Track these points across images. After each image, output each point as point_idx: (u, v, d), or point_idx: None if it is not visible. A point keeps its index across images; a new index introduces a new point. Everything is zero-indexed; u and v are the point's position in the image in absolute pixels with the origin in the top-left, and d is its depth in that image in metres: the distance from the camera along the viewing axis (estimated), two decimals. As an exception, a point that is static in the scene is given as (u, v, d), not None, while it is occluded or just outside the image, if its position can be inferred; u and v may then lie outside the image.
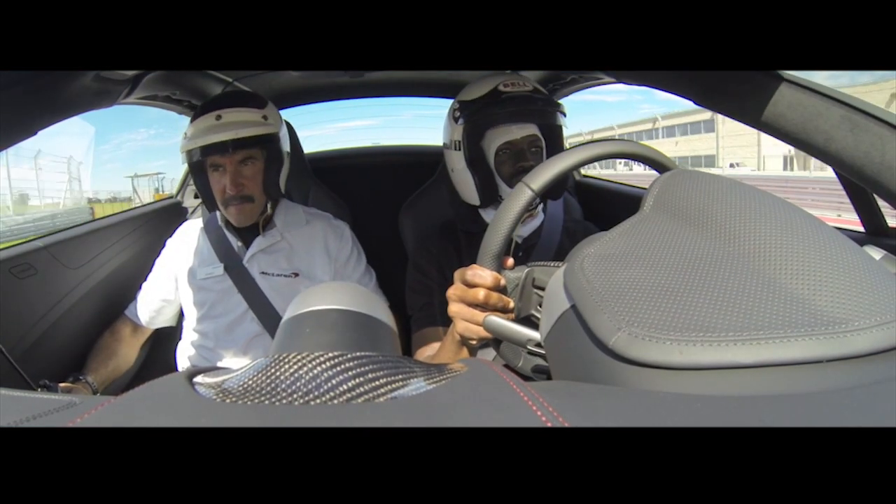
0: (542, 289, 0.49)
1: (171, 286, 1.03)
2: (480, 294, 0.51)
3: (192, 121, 0.95)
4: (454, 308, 0.54)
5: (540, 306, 0.49)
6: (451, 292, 0.55)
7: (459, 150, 0.92)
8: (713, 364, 0.24)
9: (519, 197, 0.52)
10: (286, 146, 1.02)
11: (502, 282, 0.52)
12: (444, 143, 1.00)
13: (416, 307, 0.92)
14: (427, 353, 0.85)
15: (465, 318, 0.53)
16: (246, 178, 0.94)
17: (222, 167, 0.93)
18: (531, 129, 0.90)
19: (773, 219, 0.31)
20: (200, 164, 0.96)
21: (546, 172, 0.52)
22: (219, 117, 0.91)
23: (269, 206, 1.00)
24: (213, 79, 1.16)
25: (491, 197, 0.91)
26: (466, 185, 0.93)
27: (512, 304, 0.52)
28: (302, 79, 1.29)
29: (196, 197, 1.36)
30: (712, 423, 0.19)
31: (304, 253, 1.01)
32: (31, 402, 0.21)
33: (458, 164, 0.93)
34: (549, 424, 0.17)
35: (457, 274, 0.55)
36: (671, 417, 0.19)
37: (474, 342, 0.55)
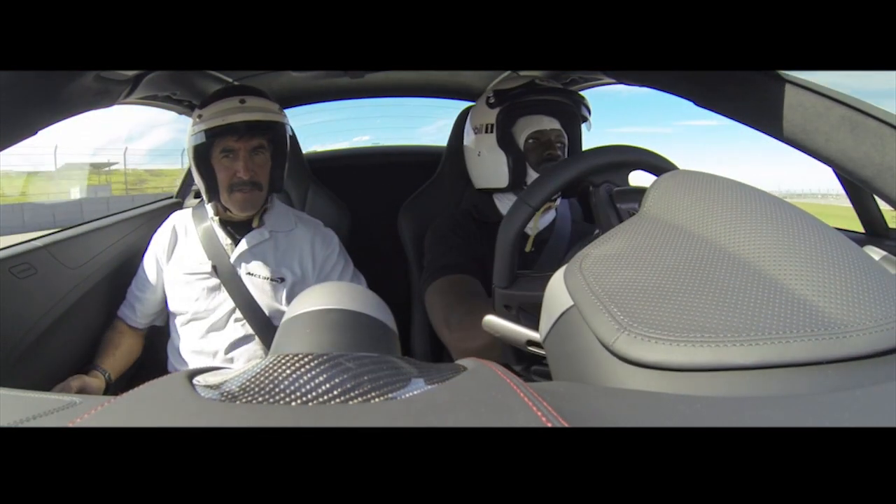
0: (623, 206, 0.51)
1: (159, 279, 1.03)
2: None
3: (203, 106, 0.96)
4: None
5: (628, 213, 0.51)
6: None
7: (491, 132, 0.97)
8: (713, 365, 0.24)
9: (518, 213, 0.54)
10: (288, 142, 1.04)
11: None
12: (466, 133, 1.04)
13: (449, 261, 0.94)
14: (461, 306, 0.86)
15: None
16: (257, 165, 0.96)
17: (234, 152, 0.95)
18: (557, 124, 0.97)
19: (773, 219, 0.31)
20: (207, 150, 0.96)
21: (543, 189, 0.54)
22: (243, 101, 0.94)
23: (269, 199, 1.02)
24: (214, 79, 1.16)
25: (519, 179, 0.96)
26: (494, 168, 0.97)
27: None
28: (302, 79, 1.29)
29: (196, 196, 1.36)
30: (712, 423, 0.19)
31: (290, 255, 1.01)
32: (31, 402, 0.21)
33: (487, 147, 0.98)
34: (549, 425, 0.17)
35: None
36: (671, 418, 0.19)
37: None
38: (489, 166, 0.98)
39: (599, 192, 0.54)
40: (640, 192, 0.51)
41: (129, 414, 0.19)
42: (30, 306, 0.86)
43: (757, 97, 0.56)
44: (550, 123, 0.96)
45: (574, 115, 0.99)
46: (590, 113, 1.02)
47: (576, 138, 1.02)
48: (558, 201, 1.01)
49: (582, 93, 1.05)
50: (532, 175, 0.95)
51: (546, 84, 0.98)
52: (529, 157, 0.96)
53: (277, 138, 0.99)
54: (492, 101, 0.98)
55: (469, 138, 1.04)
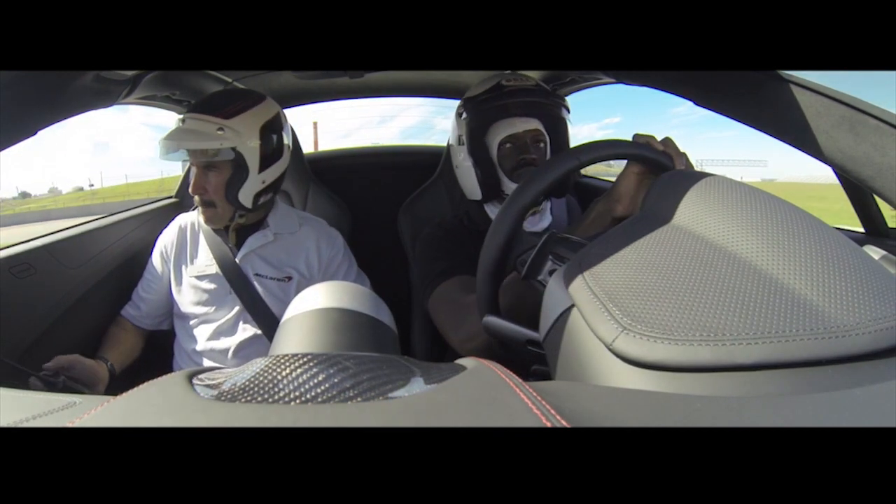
0: (559, 257, 0.49)
1: (165, 280, 1.03)
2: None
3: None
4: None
5: (550, 274, 0.48)
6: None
7: (463, 144, 0.92)
8: (713, 364, 0.24)
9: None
10: (264, 160, 0.95)
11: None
12: (449, 142, 1.00)
13: (441, 267, 0.89)
14: (461, 308, 0.82)
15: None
16: (209, 183, 0.93)
17: (194, 167, 0.94)
18: (534, 124, 0.89)
19: (773, 219, 0.31)
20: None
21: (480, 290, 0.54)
22: (183, 121, 0.91)
23: (237, 215, 0.97)
24: (213, 79, 1.16)
25: (493, 191, 0.91)
26: (469, 181, 0.93)
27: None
28: (301, 79, 1.29)
29: None
30: (712, 423, 0.19)
31: (296, 254, 1.01)
32: (31, 402, 0.21)
33: (461, 160, 0.94)
34: (549, 425, 0.17)
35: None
36: (671, 418, 0.19)
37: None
38: (465, 179, 0.94)
39: (519, 270, 0.52)
40: (542, 254, 0.50)
41: (128, 414, 0.19)
42: (30, 306, 0.86)
43: (757, 97, 0.56)
44: (525, 124, 0.88)
45: (552, 110, 0.91)
46: (568, 111, 0.95)
47: (560, 135, 0.93)
48: (545, 204, 0.94)
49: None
50: (507, 184, 0.89)
51: (513, 84, 0.90)
52: (504, 163, 0.89)
53: (229, 157, 0.92)
54: (461, 111, 0.93)
55: (451, 150, 0.99)
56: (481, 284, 0.55)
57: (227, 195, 0.94)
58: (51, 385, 0.75)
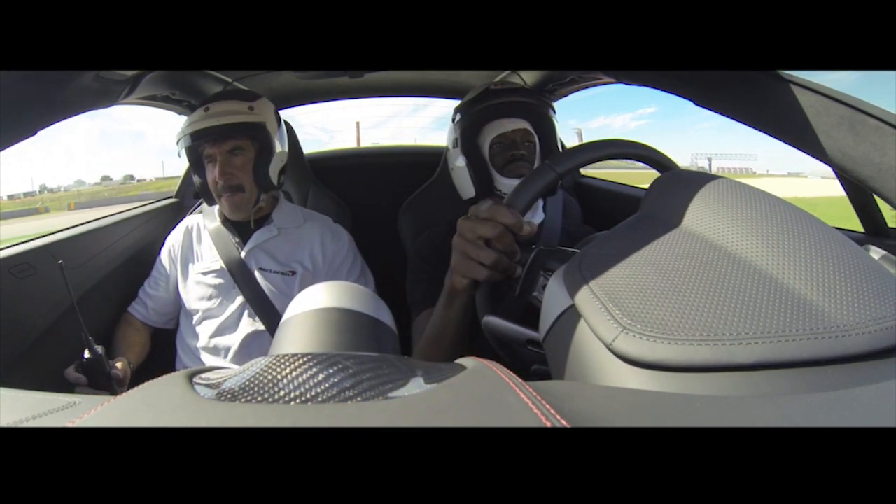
0: (550, 271, 0.49)
1: (171, 280, 1.04)
2: (495, 230, 0.50)
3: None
4: (457, 241, 0.53)
5: (544, 288, 0.49)
6: (462, 224, 0.54)
7: (457, 146, 0.97)
8: (713, 364, 0.24)
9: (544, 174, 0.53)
10: (281, 141, 1.02)
11: (525, 230, 0.50)
12: (447, 147, 1.04)
13: (418, 296, 0.91)
14: (427, 332, 0.83)
15: (467, 254, 0.52)
16: (235, 167, 0.96)
17: (214, 158, 0.96)
18: (521, 124, 0.94)
19: (773, 219, 0.31)
20: (198, 159, 0.99)
21: (574, 158, 0.53)
22: (207, 109, 0.95)
23: (261, 198, 1.00)
24: (213, 79, 1.16)
25: (486, 188, 0.94)
26: (464, 180, 0.97)
27: (518, 256, 0.52)
28: (301, 79, 1.29)
29: (195, 197, 1.37)
30: (712, 423, 0.19)
31: (300, 249, 1.02)
32: (31, 401, 0.21)
33: (457, 161, 0.98)
34: (548, 425, 0.17)
35: (472, 209, 0.55)
36: (672, 418, 0.19)
37: (465, 283, 0.54)
38: (460, 179, 0.98)
39: (513, 289, 0.52)
40: (533, 270, 0.49)
41: (128, 414, 0.19)
42: (30, 306, 0.86)
43: (757, 97, 0.56)
44: (513, 124, 0.93)
45: (540, 111, 0.96)
46: (554, 112, 0.99)
47: (548, 135, 0.97)
48: (541, 203, 0.97)
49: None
50: (499, 180, 0.92)
51: (501, 87, 0.96)
52: (495, 161, 0.93)
53: (257, 136, 0.97)
54: (455, 116, 0.98)
55: (447, 155, 1.04)
56: (479, 307, 0.55)
57: (256, 174, 0.98)
58: (93, 362, 0.79)
